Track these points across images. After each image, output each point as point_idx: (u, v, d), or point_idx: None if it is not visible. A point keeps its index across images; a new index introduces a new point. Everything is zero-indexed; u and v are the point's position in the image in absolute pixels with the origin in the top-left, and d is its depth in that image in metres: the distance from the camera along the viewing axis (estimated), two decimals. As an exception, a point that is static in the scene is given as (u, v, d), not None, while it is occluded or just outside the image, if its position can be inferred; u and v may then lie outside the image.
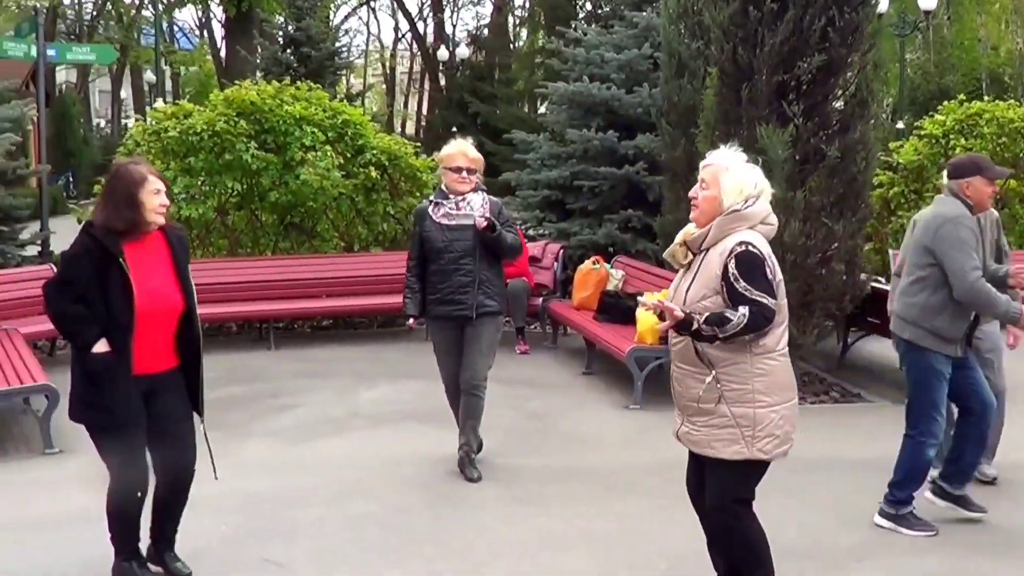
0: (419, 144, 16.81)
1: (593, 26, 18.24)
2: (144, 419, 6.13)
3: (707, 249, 5.49)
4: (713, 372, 5.43)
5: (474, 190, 8.41)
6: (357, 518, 7.63)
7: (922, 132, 16.72)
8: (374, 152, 14.96)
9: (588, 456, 9.17)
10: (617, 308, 12.20)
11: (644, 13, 16.44)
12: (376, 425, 10.08)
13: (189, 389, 6.37)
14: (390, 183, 15.28)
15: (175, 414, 6.28)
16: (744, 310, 5.26)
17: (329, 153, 14.74)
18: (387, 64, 72.53)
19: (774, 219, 5.58)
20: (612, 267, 13.44)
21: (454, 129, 45.02)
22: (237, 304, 13.75)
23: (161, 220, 6.15)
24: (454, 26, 64.02)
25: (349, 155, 15.08)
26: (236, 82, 15.78)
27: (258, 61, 29.41)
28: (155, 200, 6.04)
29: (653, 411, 10.23)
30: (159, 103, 24.30)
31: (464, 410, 8.48)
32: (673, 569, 6.73)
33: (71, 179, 43.11)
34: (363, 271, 14.65)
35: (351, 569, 6.79)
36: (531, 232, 16.96)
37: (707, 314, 5.30)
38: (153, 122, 15.23)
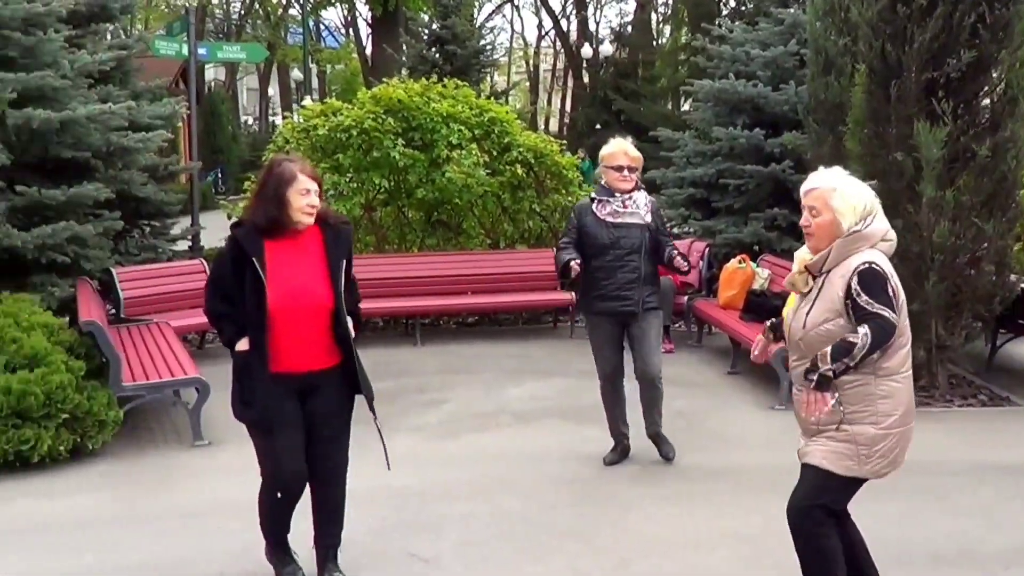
0: (563, 142, 16.82)
1: (738, 23, 18.09)
2: (297, 418, 6.09)
3: (827, 272, 5.38)
4: (836, 395, 5.34)
5: (635, 188, 8.53)
6: (503, 514, 7.70)
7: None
8: (520, 150, 15.01)
9: (733, 456, 9.13)
10: (763, 307, 12.08)
11: (790, 10, 16.34)
12: (523, 421, 10.14)
13: (353, 387, 6.32)
14: (536, 181, 15.33)
15: (329, 413, 6.23)
16: (864, 329, 5.14)
17: (475, 151, 14.83)
18: (531, 62, 72.75)
19: (893, 235, 5.50)
20: (758, 266, 13.33)
21: (597, 126, 45.18)
22: (384, 300, 13.88)
23: (308, 220, 6.05)
24: (597, 23, 64.08)
25: (495, 153, 15.15)
26: (383, 80, 15.95)
27: (404, 59, 29.72)
28: (302, 200, 5.96)
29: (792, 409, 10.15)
30: (307, 101, 24.61)
31: (647, 401, 8.74)
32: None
33: (220, 175, 43.97)
34: (509, 268, 14.73)
35: (496, 564, 6.84)
36: (676, 230, 16.89)
37: (829, 350, 5.20)
38: (302, 120, 15.46)
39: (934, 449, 9.14)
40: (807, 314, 5.40)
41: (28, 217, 12.13)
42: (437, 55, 26.92)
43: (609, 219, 8.43)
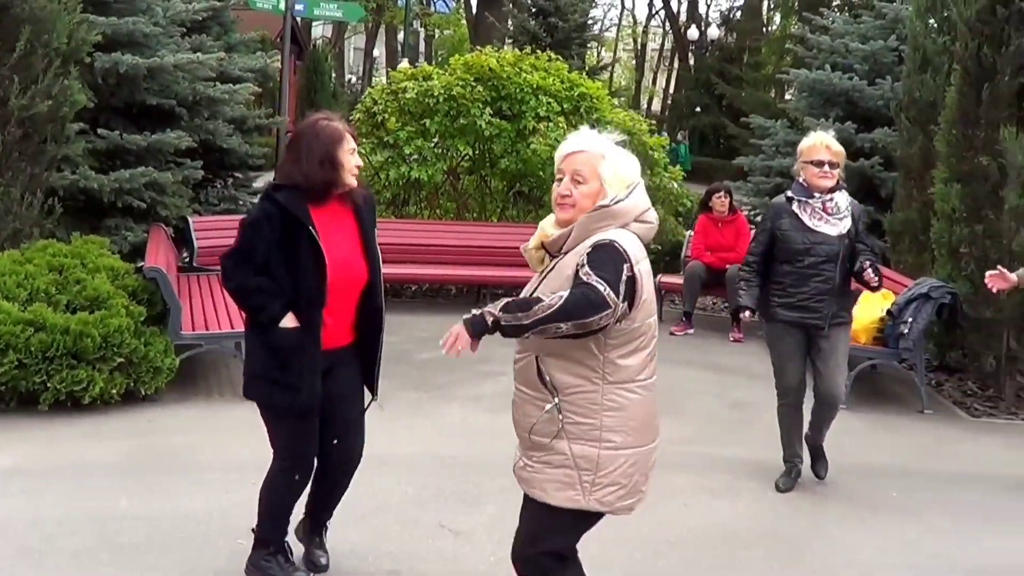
0: (655, 123, 16.71)
1: (841, 15, 17.86)
2: (320, 401, 5.75)
3: (565, 252, 4.57)
4: (556, 399, 4.54)
5: (837, 187, 7.77)
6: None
7: None
8: (608, 127, 14.89)
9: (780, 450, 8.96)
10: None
11: (894, 4, 16.06)
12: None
13: (364, 366, 6.02)
14: (623, 160, 15.20)
15: (347, 395, 5.93)
16: (563, 293, 4.30)
17: (562, 124, 14.75)
18: (638, 40, 72.39)
19: (653, 216, 4.69)
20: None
21: (698, 109, 44.96)
22: (459, 268, 13.89)
23: (355, 182, 5.71)
24: (708, 6, 63.85)
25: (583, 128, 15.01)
26: (477, 48, 15.92)
27: (507, 28, 29.68)
28: (352, 160, 5.63)
29: (859, 412, 10.09)
30: (404, 63, 24.64)
31: (821, 419, 8.13)
32: (855, 576, 6.54)
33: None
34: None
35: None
36: (760, 219, 16.73)
37: (504, 301, 4.38)
38: (392, 82, 15.47)
39: (990, 463, 9.00)
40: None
41: (109, 160, 12.29)
42: (538, 26, 26.85)
43: (809, 223, 7.68)
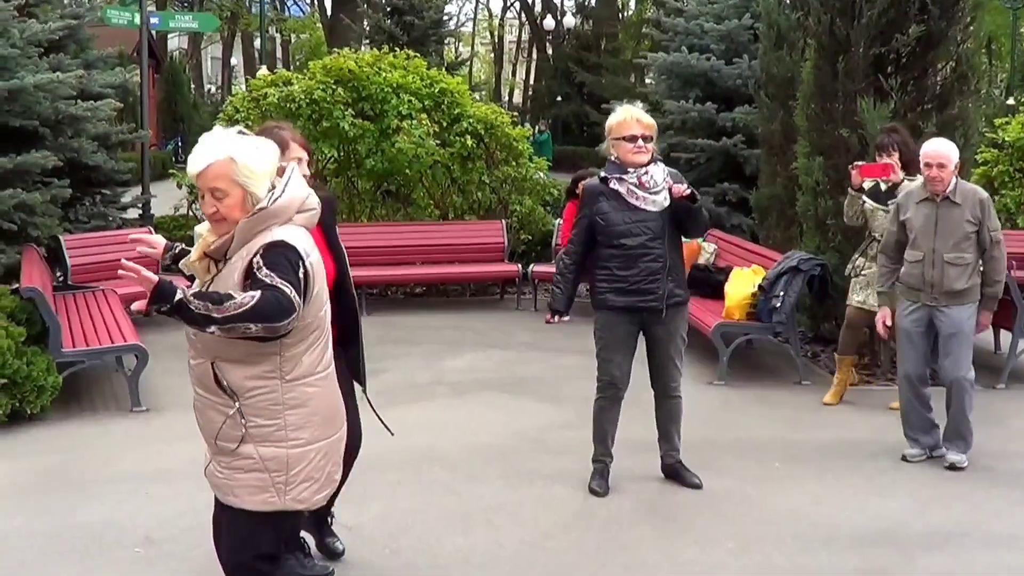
0: (516, 114, 16.82)
1: (695, -5, 18.11)
2: None
3: (230, 258, 4.48)
4: (237, 404, 4.48)
5: (652, 161, 7.33)
6: (429, 484, 7.71)
7: (1029, 110, 16.36)
8: (470, 121, 15.00)
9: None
10: (707, 282, 12.09)
11: (746, -18, 16.32)
12: (458, 394, 10.15)
13: (348, 362, 6.04)
14: (486, 152, 15.31)
15: (343, 391, 5.72)
16: (257, 293, 4.25)
17: (424, 121, 14.78)
18: (495, 33, 72.60)
19: (314, 201, 4.67)
20: (704, 240, 13.33)
21: (559, 98, 45.21)
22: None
23: None
24: (562, -5, 63.93)
25: (445, 123, 15.14)
26: (334, 50, 15.91)
27: (363, 29, 29.62)
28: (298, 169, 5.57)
29: (737, 387, 10.27)
30: (262, 70, 24.54)
31: (668, 418, 7.79)
32: (744, 550, 6.66)
33: (179, 144, 43.87)
34: (457, 239, 14.74)
35: (417, 536, 6.81)
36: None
37: (200, 291, 4.37)
38: (253, 90, 15.40)
39: (869, 429, 9.21)
40: None
41: (-24, 184, 12.11)
42: (394, 25, 26.82)
43: (629, 200, 7.26)
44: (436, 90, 14.99)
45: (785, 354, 11.05)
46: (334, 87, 14.55)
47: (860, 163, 9.49)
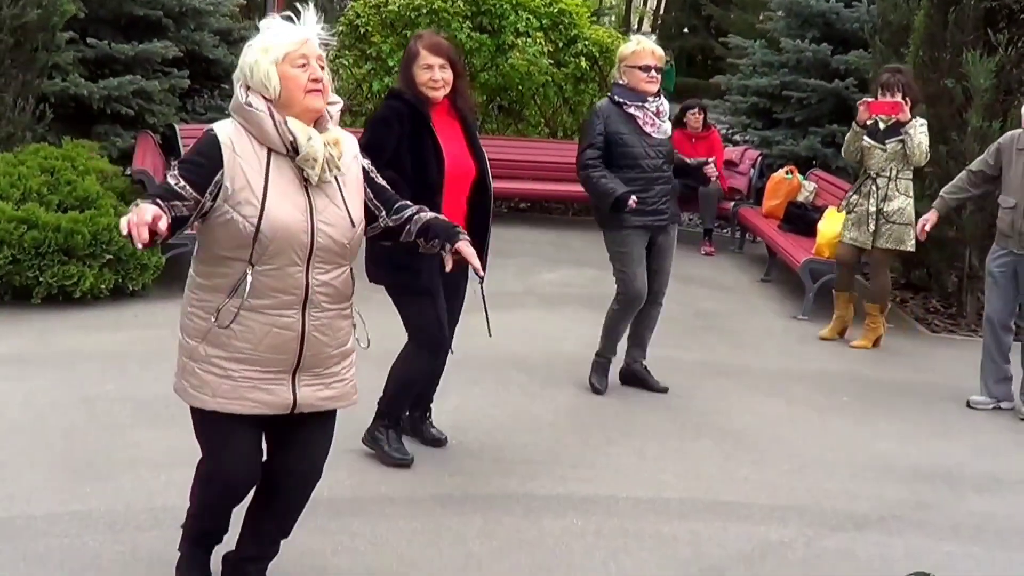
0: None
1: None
2: (441, 286, 6.24)
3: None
4: (351, 299, 4.51)
5: (658, 92, 7.88)
6: (506, 385, 8.11)
7: None
8: (586, 43, 15.19)
9: (743, 357, 9.38)
10: (802, 219, 12.26)
11: (872, -73, 16.26)
12: (548, 305, 10.51)
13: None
14: (599, 75, 15.47)
15: (454, 287, 6.45)
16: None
17: (540, 40, 14.98)
18: (629, -42, 71.92)
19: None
20: (806, 179, 13.47)
21: (685, 30, 44.84)
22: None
23: (433, 94, 6.20)
24: (702, -75, 63.11)
25: (561, 44, 15.29)
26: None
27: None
28: (424, 75, 6.16)
29: (820, 324, 10.41)
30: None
31: (648, 322, 8.23)
32: (798, 472, 6.94)
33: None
34: (564, 158, 14.81)
35: (485, 430, 7.19)
36: (736, 137, 17.05)
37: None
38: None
39: (943, 375, 9.40)
40: (349, 210, 4.33)
41: (98, 69, 12.57)
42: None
43: (646, 128, 7.76)
44: (555, 10, 15.15)
45: (871, 297, 11.23)
46: (454, -1, 14.83)
47: (869, 99, 9.59)
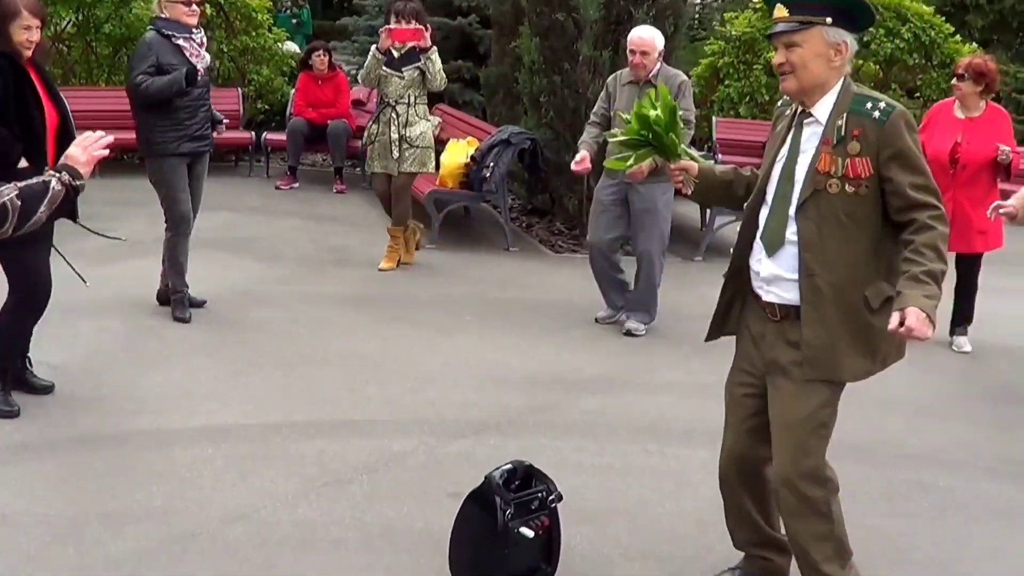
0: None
1: None
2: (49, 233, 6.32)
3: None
4: None
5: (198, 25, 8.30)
6: (136, 328, 8.20)
7: (756, 4, 16.87)
8: (212, -9, 15.08)
9: (371, 286, 9.69)
10: (433, 153, 12.50)
11: None
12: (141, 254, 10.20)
13: None
14: (226, 21, 15.41)
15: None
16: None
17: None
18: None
19: None
20: (431, 114, 13.67)
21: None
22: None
23: (28, 53, 6.31)
24: None
25: (184, -7, 15.09)
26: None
27: None
28: (23, 35, 6.24)
29: (447, 252, 10.85)
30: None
31: (183, 248, 8.59)
32: (421, 387, 7.28)
33: None
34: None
35: (119, 373, 7.24)
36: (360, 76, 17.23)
37: None
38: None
39: (563, 291, 10.00)
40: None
41: None
42: None
43: (194, 59, 8.13)
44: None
45: (499, 223, 11.66)
46: (74, -50, 14.44)
47: (391, 26, 9.73)
